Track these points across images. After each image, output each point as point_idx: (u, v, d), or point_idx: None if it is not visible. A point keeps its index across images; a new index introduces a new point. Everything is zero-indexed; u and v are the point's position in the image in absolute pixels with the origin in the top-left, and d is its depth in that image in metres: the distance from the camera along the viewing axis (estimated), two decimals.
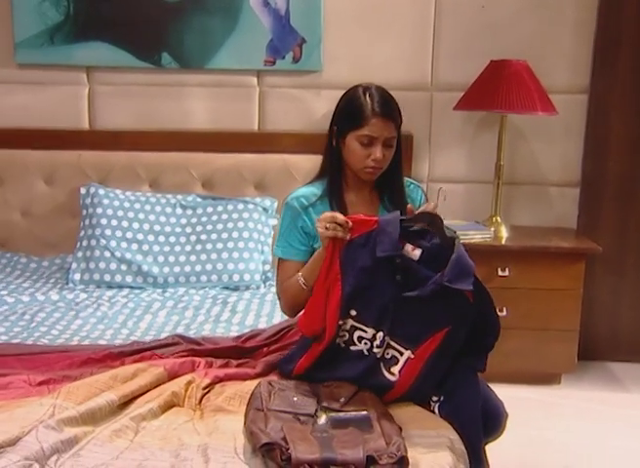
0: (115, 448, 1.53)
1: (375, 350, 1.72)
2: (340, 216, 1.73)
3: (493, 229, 3.11)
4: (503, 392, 2.99)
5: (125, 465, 1.47)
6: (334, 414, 1.62)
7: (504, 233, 3.12)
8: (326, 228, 1.72)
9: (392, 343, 1.71)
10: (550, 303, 3.02)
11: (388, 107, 1.88)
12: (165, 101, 3.22)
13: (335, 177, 1.95)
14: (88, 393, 1.68)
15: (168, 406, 1.71)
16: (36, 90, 3.23)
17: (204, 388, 1.78)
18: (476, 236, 3.02)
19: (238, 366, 1.96)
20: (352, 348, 1.75)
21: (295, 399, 1.66)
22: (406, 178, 2.04)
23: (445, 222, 3.06)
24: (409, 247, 1.71)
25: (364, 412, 1.63)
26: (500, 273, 3.00)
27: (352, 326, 1.74)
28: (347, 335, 1.75)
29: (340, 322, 1.73)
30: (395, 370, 1.71)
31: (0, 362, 1.98)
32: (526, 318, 3.03)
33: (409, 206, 1.84)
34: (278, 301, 2.03)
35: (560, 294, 3.02)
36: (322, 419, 1.60)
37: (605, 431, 2.76)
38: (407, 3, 3.15)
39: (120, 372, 1.78)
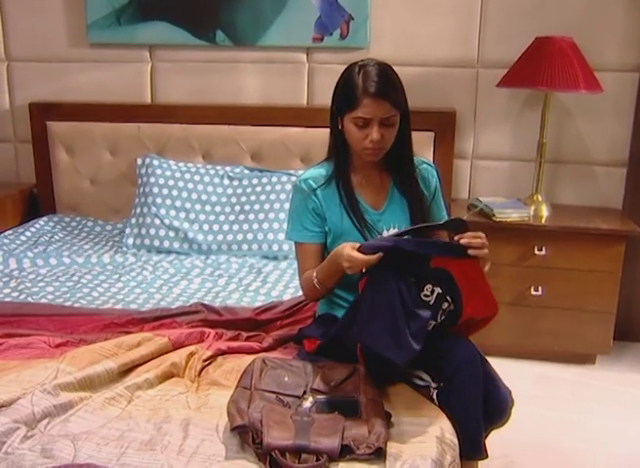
0: (105, 416, 1.43)
1: None
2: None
3: (533, 208, 2.80)
4: (534, 369, 2.78)
5: (108, 434, 1.37)
6: (321, 397, 1.45)
7: (545, 212, 2.80)
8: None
9: None
10: (587, 284, 2.69)
11: (382, 86, 1.61)
12: (219, 77, 3.07)
13: (340, 159, 1.73)
14: (91, 359, 1.58)
15: (166, 376, 1.59)
16: (105, 67, 3.14)
17: (205, 360, 1.65)
18: (513, 214, 2.72)
19: (247, 339, 1.81)
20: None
21: (285, 379, 1.50)
22: (418, 158, 1.78)
23: (485, 199, 2.86)
24: None
25: (352, 397, 1.46)
26: (536, 252, 2.70)
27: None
28: None
29: None
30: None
31: (32, 321, 1.93)
32: (561, 298, 2.73)
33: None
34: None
35: (598, 276, 2.68)
36: (308, 402, 1.43)
37: (630, 415, 2.44)
38: None
39: (126, 340, 1.67)
